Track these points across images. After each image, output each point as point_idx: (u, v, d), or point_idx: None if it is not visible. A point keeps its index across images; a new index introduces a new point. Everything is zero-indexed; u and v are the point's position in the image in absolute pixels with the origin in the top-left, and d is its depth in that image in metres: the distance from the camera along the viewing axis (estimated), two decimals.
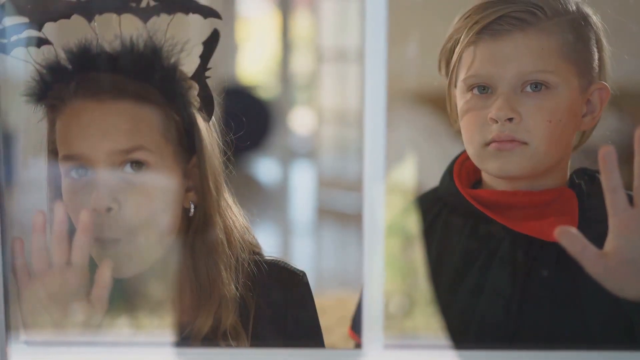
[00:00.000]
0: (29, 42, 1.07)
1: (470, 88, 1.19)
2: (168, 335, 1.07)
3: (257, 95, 7.39)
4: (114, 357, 0.81)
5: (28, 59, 1.06)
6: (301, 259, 5.19)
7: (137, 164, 1.05)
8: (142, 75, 1.07)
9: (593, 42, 1.19)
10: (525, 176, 1.18)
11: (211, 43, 1.09)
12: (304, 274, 1.18)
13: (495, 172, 1.18)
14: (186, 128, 1.09)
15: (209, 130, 1.12)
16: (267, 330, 1.12)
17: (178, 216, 1.09)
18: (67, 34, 1.10)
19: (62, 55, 1.07)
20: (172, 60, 1.07)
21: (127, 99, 1.05)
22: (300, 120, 7.36)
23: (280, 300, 1.15)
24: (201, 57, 1.10)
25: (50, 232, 0.97)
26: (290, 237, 5.57)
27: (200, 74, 1.11)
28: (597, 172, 1.21)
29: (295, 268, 1.18)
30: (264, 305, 1.13)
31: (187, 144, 1.10)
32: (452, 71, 1.22)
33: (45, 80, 1.07)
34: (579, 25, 1.18)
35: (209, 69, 1.11)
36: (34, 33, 1.07)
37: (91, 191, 1.03)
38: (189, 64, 1.10)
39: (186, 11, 1.08)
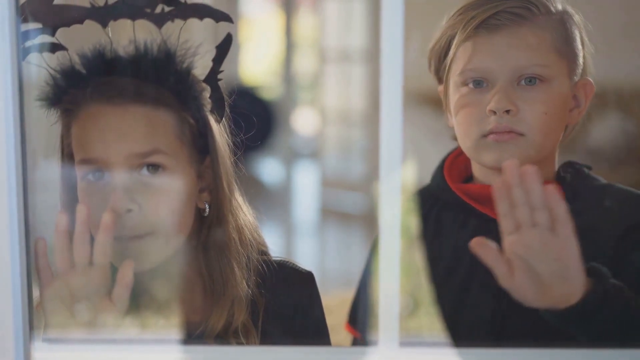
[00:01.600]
0: (43, 47, 1.08)
1: (466, 82, 1.21)
2: (179, 333, 1.08)
3: (260, 96, 7.40)
4: (133, 355, 0.82)
5: (42, 64, 1.08)
6: (305, 258, 5.20)
7: (154, 167, 1.06)
8: (157, 79, 1.08)
9: (578, 39, 1.23)
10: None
11: (224, 47, 1.11)
12: (311, 274, 1.19)
13: (491, 163, 1.20)
14: (199, 130, 1.11)
15: (220, 132, 1.14)
16: (276, 329, 1.13)
17: (192, 216, 1.10)
18: (79, 39, 1.11)
19: (77, 60, 1.08)
20: (186, 64, 1.08)
21: (142, 102, 1.07)
22: (303, 121, 7.37)
23: (289, 300, 1.16)
24: (214, 60, 1.12)
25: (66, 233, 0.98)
26: (294, 237, 5.57)
27: (212, 77, 1.12)
28: (584, 166, 1.25)
29: (303, 268, 1.20)
30: (273, 304, 1.14)
31: (201, 146, 1.11)
32: (448, 67, 1.23)
33: (60, 85, 1.08)
34: (567, 22, 1.22)
35: (221, 71, 1.12)
36: (47, 38, 1.08)
37: (108, 193, 1.04)
38: (201, 67, 1.11)
39: (200, 16, 1.09)
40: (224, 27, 1.12)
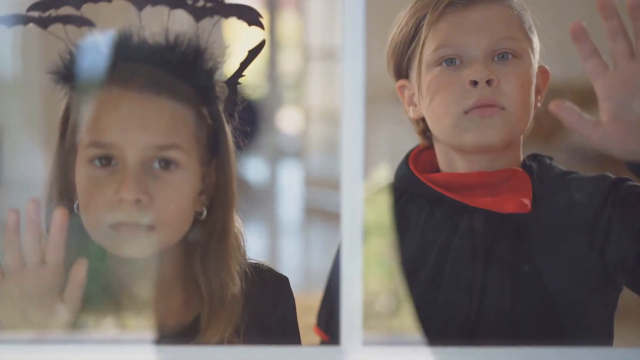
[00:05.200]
0: (67, 19, 1.04)
1: (439, 62, 1.20)
2: (149, 333, 1.06)
3: (244, 95, 7.38)
4: (89, 356, 0.81)
5: (63, 36, 1.05)
6: (289, 258, 5.20)
7: (166, 162, 1.03)
8: (183, 74, 1.06)
9: (533, 28, 1.24)
10: (500, 145, 1.19)
11: (256, 52, 1.10)
12: (287, 278, 1.17)
13: (472, 141, 1.19)
14: (214, 131, 1.08)
15: (231, 135, 1.11)
16: (252, 333, 1.11)
17: (191, 218, 1.07)
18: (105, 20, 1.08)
19: (102, 39, 1.05)
20: (213, 63, 1.07)
21: (167, 95, 1.04)
22: (288, 120, 7.36)
23: (265, 305, 1.14)
24: (242, 63, 1.11)
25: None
26: (278, 237, 5.57)
27: (235, 79, 1.11)
28: (547, 157, 1.25)
29: (279, 272, 1.18)
30: (249, 308, 1.11)
31: (212, 147, 1.09)
32: (420, 50, 1.22)
33: (77, 61, 1.05)
34: (525, 7, 1.24)
35: (244, 75, 1.11)
36: (72, 11, 1.05)
37: (115, 181, 1.01)
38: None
39: (240, 17, 1.08)
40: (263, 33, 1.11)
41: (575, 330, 1.18)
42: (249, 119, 1.14)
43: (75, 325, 0.96)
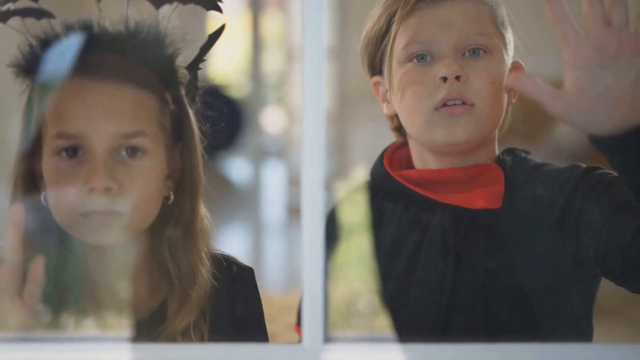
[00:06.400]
0: (26, 12, 1.05)
1: (410, 58, 1.21)
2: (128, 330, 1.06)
3: (228, 94, 7.37)
4: (49, 355, 0.81)
5: (22, 29, 1.05)
6: (272, 257, 5.19)
7: (133, 150, 1.05)
8: (144, 61, 1.07)
9: (507, 24, 1.24)
10: (470, 143, 1.20)
11: (216, 37, 1.11)
12: (252, 270, 1.18)
13: (442, 139, 1.19)
14: (177, 116, 1.10)
15: (195, 120, 1.13)
16: (218, 324, 1.12)
17: (160, 203, 1.09)
18: (64, 10, 1.09)
19: (62, 30, 1.06)
20: (173, 49, 1.09)
21: (130, 82, 1.06)
22: (271, 119, 7.35)
23: (230, 295, 1.15)
24: (202, 48, 1.12)
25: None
26: (261, 236, 5.56)
27: (195, 64, 1.13)
28: (523, 151, 1.25)
29: (244, 264, 1.19)
30: (214, 296, 1.13)
31: (176, 132, 1.11)
32: (390, 47, 1.22)
33: (38, 53, 1.05)
34: (499, 5, 1.24)
35: (204, 60, 1.12)
36: (29, 3, 1.05)
37: (83, 172, 1.03)
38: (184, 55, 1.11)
39: (198, 2, 1.10)
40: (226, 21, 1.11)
41: (552, 326, 1.18)
42: (212, 103, 1.15)
43: (50, 320, 0.96)
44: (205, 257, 1.11)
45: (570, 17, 0.89)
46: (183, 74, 1.11)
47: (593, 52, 0.89)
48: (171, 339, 1.07)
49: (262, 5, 6.90)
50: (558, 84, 0.91)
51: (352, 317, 1.20)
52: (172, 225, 1.10)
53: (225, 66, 8.17)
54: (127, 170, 1.04)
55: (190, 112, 1.12)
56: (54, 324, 1.00)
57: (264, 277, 4.84)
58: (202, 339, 1.10)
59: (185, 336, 1.09)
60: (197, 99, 1.13)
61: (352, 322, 1.20)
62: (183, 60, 1.12)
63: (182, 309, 1.08)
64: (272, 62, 7.02)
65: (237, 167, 7.25)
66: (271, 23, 7.01)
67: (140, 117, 1.06)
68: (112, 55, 1.07)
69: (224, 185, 6.76)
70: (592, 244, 1.10)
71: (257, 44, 6.79)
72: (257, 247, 5.46)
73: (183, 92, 1.11)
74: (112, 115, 1.04)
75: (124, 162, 1.04)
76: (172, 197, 1.10)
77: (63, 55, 1.05)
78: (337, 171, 5.54)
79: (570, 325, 1.21)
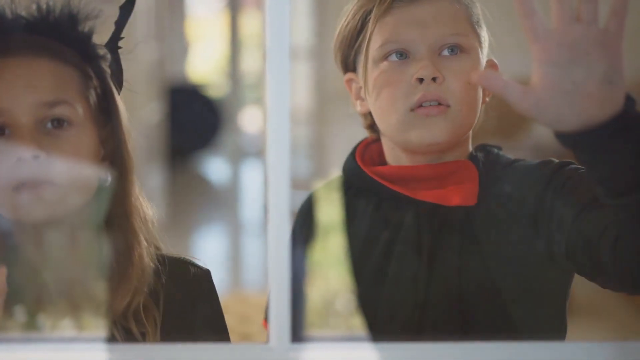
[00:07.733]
0: None
1: (386, 56, 1.20)
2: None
3: (206, 94, 7.36)
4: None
5: None
6: (251, 258, 5.18)
7: (58, 121, 1.05)
8: (60, 39, 1.08)
9: (482, 22, 1.24)
10: (446, 143, 1.19)
11: (127, 9, 1.12)
12: (209, 271, 1.19)
13: (418, 139, 1.18)
14: (102, 93, 1.11)
15: (121, 100, 1.13)
16: (175, 325, 1.12)
17: (94, 181, 1.09)
18: None
19: None
20: (88, 26, 1.10)
21: (48, 55, 1.07)
22: (250, 119, 7.34)
23: (189, 296, 1.15)
24: (116, 23, 1.13)
25: None
26: (240, 236, 5.55)
27: (114, 42, 1.13)
28: (495, 147, 1.25)
29: (201, 266, 1.19)
30: (171, 300, 1.13)
31: (104, 110, 1.11)
32: (366, 45, 1.22)
33: None
34: (474, 3, 1.23)
35: (122, 38, 1.13)
36: None
37: (12, 149, 1.03)
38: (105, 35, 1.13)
39: None
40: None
41: (525, 321, 1.17)
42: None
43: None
44: (141, 235, 1.11)
45: (539, 12, 0.87)
46: (103, 52, 1.12)
47: (562, 48, 0.87)
48: (123, 320, 1.08)
49: (240, 5, 6.89)
50: (525, 82, 0.90)
51: (330, 317, 1.20)
52: (107, 206, 1.11)
53: (204, 66, 8.15)
54: (54, 140, 1.05)
55: (115, 90, 1.12)
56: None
57: (242, 277, 4.84)
58: (155, 325, 1.10)
59: (137, 320, 1.09)
60: (124, 84, 1.14)
61: (330, 321, 1.19)
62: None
63: (121, 286, 1.08)
64: (250, 62, 7.01)
65: (215, 167, 7.23)
66: (249, 23, 7.00)
67: (61, 87, 1.07)
68: (29, 35, 1.08)
69: (203, 185, 6.75)
70: (562, 239, 1.10)
71: (235, 44, 6.77)
72: (235, 247, 5.45)
73: (105, 67, 1.12)
74: (32, 86, 1.05)
75: (51, 133, 1.05)
76: (109, 179, 1.10)
77: None
78: (316, 171, 5.54)
79: (544, 321, 1.20)
